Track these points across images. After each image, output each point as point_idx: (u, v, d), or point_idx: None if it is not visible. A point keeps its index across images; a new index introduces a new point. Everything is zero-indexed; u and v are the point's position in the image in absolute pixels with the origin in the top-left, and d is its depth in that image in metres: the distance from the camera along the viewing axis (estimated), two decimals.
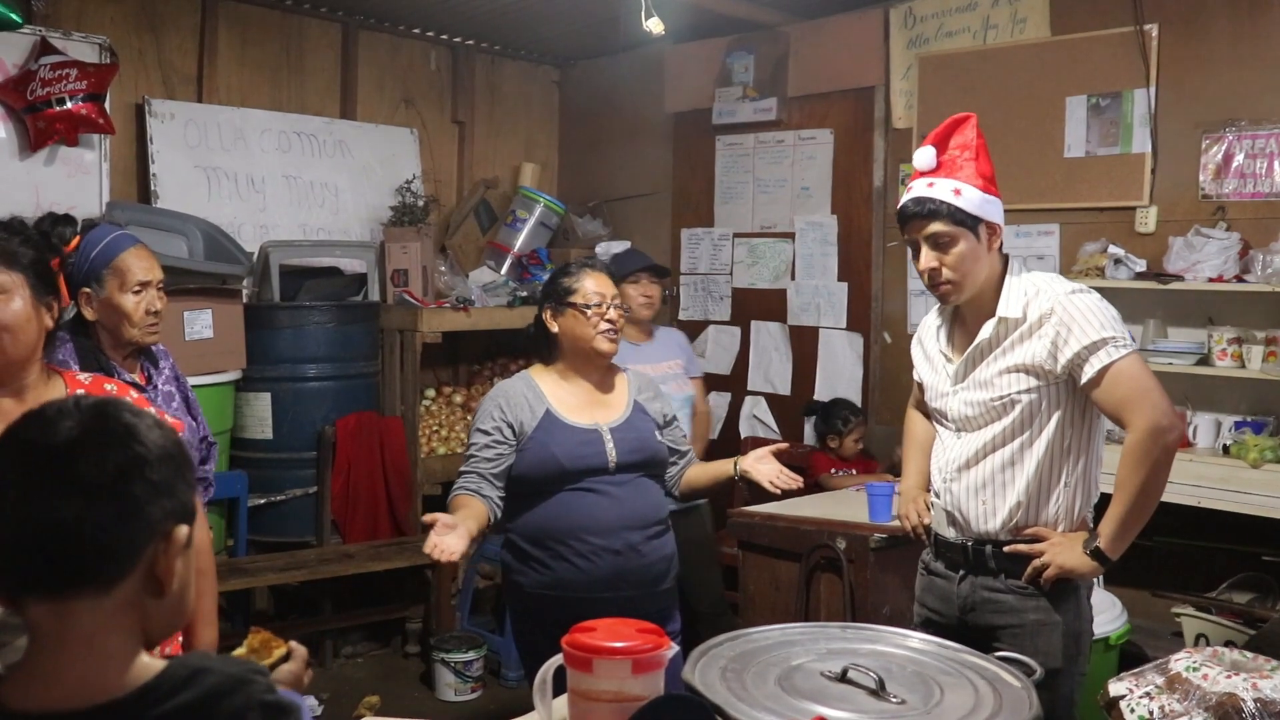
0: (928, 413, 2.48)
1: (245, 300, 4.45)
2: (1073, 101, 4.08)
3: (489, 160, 5.80)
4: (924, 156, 2.23)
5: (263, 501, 4.44)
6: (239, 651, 1.57)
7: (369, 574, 4.37)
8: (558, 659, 1.70)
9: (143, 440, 1.05)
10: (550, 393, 2.67)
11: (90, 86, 4.19)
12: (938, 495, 2.37)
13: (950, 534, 2.34)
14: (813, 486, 4.14)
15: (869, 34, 4.71)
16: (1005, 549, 2.24)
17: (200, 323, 4.12)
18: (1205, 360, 3.63)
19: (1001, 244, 2.27)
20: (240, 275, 4.37)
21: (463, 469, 2.62)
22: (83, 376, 2.03)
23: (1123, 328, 2.15)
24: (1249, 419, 3.61)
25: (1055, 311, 2.15)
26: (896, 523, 2.79)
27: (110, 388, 2.03)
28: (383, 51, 5.40)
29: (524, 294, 5.00)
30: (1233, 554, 3.66)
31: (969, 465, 2.27)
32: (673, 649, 1.67)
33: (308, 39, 5.13)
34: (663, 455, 2.73)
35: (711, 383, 4.99)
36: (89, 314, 2.47)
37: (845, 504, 3.50)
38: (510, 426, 2.60)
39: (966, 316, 2.31)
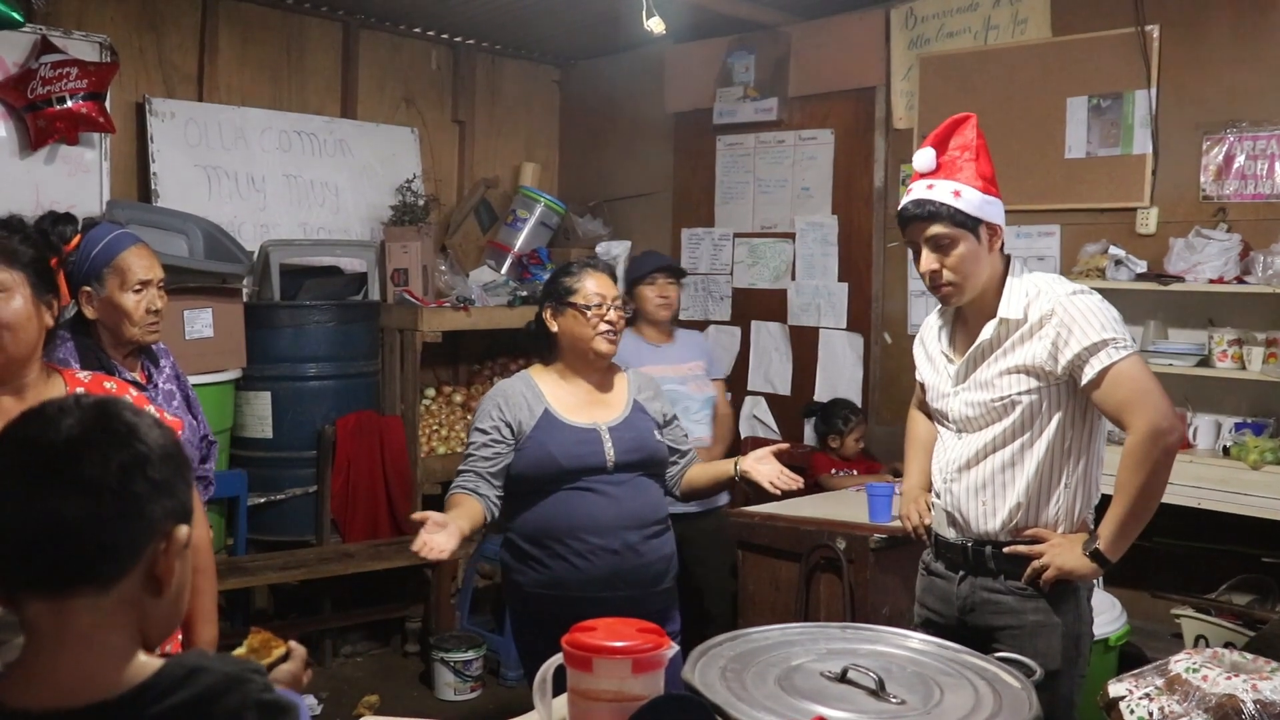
0: (930, 413, 2.48)
1: (245, 299, 4.45)
2: (1073, 102, 4.08)
3: (489, 160, 5.80)
4: (923, 158, 2.23)
5: (262, 500, 4.44)
6: (239, 651, 1.57)
7: (368, 573, 4.37)
8: (557, 658, 1.70)
9: (144, 439, 1.05)
10: (549, 392, 2.67)
11: (91, 85, 4.19)
12: (938, 496, 2.37)
13: (950, 534, 2.34)
14: (813, 486, 4.14)
15: (870, 34, 4.71)
16: (1005, 550, 2.24)
17: (200, 322, 4.12)
18: (1205, 362, 3.63)
19: (1003, 244, 2.27)
20: (240, 274, 4.37)
21: (461, 468, 2.64)
22: (82, 375, 2.03)
23: (1124, 329, 2.15)
24: (1249, 420, 3.61)
25: (1056, 312, 2.15)
26: (896, 523, 2.79)
27: (110, 386, 2.03)
28: (383, 51, 5.40)
29: (524, 293, 5.00)
30: (1232, 555, 3.66)
31: (969, 466, 2.27)
32: (673, 649, 1.67)
33: (308, 38, 5.13)
34: (662, 455, 2.73)
35: None
36: (89, 313, 2.47)
37: (845, 504, 3.50)
38: (508, 426, 2.61)
39: (968, 317, 2.31)
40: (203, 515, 2.34)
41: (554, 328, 2.70)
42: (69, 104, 4.15)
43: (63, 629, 1.02)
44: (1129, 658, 3.30)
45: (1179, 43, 3.84)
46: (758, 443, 3.80)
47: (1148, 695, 1.72)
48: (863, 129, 4.78)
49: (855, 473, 4.28)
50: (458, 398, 5.29)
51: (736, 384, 5.23)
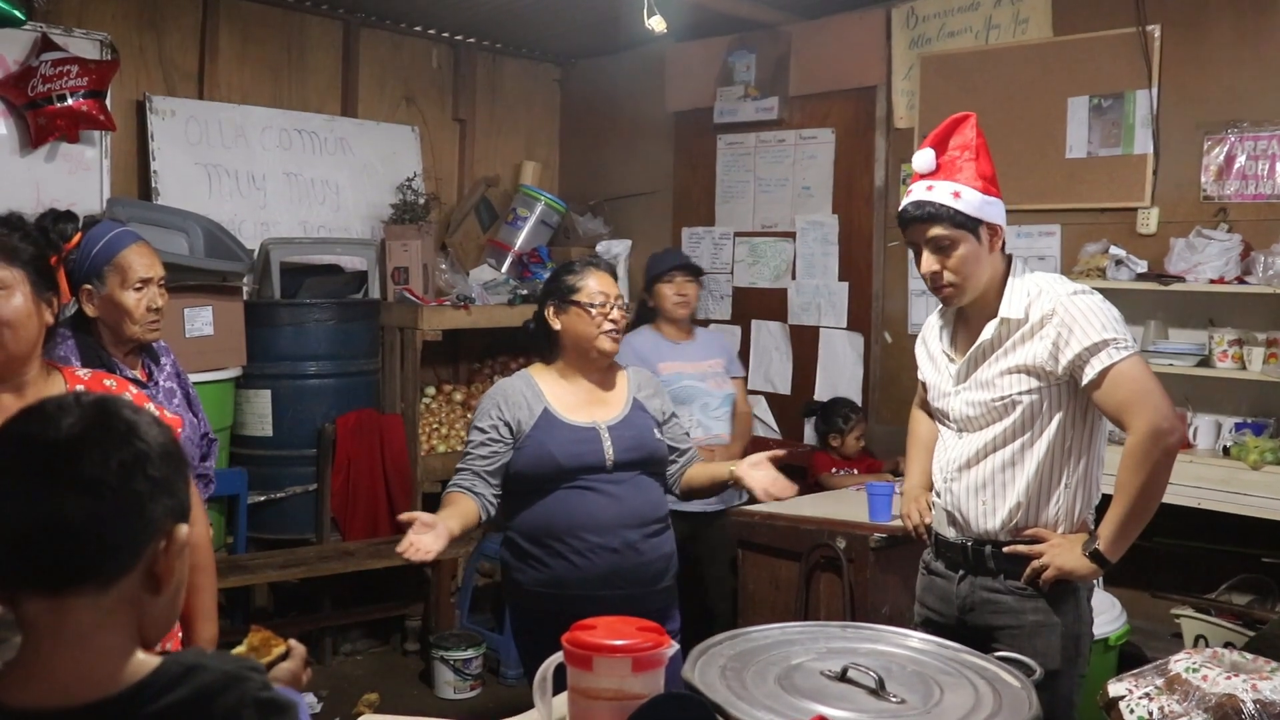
0: (932, 413, 2.48)
1: (246, 297, 4.45)
2: (1074, 102, 4.08)
3: (490, 158, 5.80)
4: (923, 159, 2.23)
5: (263, 499, 4.44)
6: (239, 649, 1.57)
7: (368, 571, 4.37)
8: (557, 657, 1.70)
9: (144, 437, 1.05)
10: (549, 391, 2.67)
11: (91, 83, 4.19)
12: (939, 495, 2.37)
13: (950, 534, 2.34)
14: (813, 485, 4.14)
15: (871, 33, 4.71)
16: (1005, 549, 2.24)
17: (201, 320, 4.12)
18: (1206, 362, 3.63)
19: (1004, 244, 2.27)
20: (241, 272, 4.37)
21: (459, 466, 2.65)
22: (82, 372, 2.03)
23: (1125, 329, 2.14)
24: (1249, 420, 3.61)
25: (1057, 312, 2.15)
26: (897, 522, 2.79)
27: (110, 384, 2.03)
28: (384, 49, 5.40)
29: (524, 292, 5.00)
30: (1232, 555, 3.66)
31: (970, 465, 2.27)
32: (673, 647, 1.67)
33: (309, 36, 5.13)
34: (661, 453, 2.73)
35: None
36: (90, 310, 2.47)
37: (845, 504, 3.50)
38: (507, 425, 2.61)
39: (969, 317, 2.31)
40: (203, 513, 2.34)
41: (556, 326, 2.70)
42: (69, 102, 4.15)
43: (61, 627, 1.01)
44: (1129, 657, 3.31)
45: (1180, 43, 3.84)
46: (758, 442, 3.80)
47: (1147, 695, 1.72)
48: (863, 128, 4.78)
49: (856, 471, 4.28)
50: (458, 396, 5.29)
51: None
